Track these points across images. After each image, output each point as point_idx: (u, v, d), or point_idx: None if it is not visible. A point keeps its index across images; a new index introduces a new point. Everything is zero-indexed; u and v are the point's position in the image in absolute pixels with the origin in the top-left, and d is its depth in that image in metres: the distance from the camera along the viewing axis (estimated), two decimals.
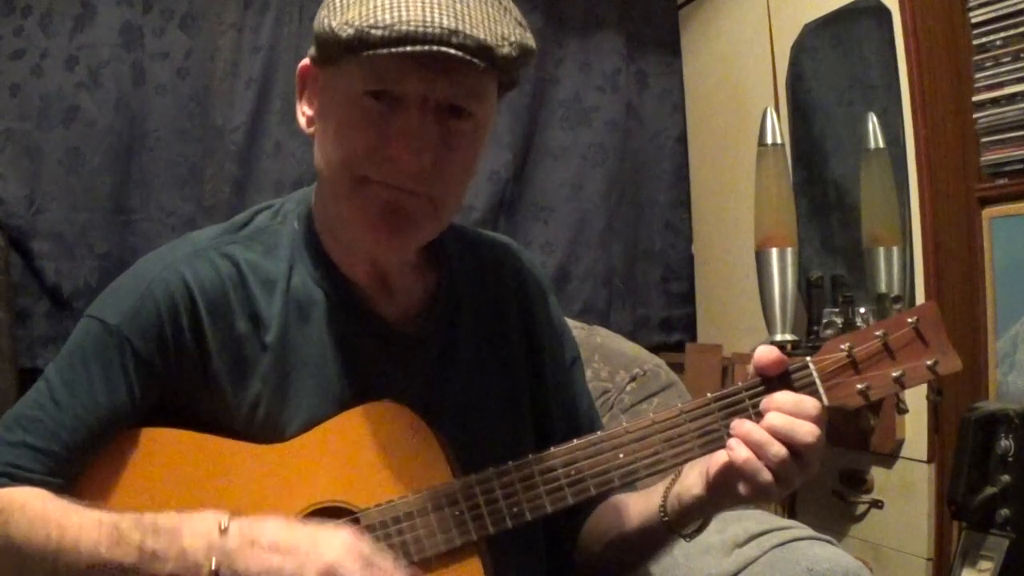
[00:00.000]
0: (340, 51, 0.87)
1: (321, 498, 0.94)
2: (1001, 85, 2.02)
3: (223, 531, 0.84)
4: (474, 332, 1.07)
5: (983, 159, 2.07)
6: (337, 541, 0.84)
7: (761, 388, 0.94)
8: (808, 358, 0.96)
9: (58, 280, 2.54)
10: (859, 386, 0.95)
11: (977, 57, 2.07)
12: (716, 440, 0.94)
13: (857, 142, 2.36)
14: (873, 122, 2.29)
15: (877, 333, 0.95)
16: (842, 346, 0.96)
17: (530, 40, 0.91)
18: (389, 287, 1.02)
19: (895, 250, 2.25)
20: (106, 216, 2.59)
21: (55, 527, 0.85)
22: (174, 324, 0.94)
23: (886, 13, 2.21)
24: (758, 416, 0.92)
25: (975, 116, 2.08)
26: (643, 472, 0.94)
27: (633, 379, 2.14)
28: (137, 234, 2.64)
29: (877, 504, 2.21)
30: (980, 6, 2.05)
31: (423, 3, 0.84)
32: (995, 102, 2.04)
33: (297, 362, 0.97)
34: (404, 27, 0.82)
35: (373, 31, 0.83)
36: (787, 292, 2.42)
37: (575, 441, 0.96)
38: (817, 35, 2.54)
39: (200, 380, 0.96)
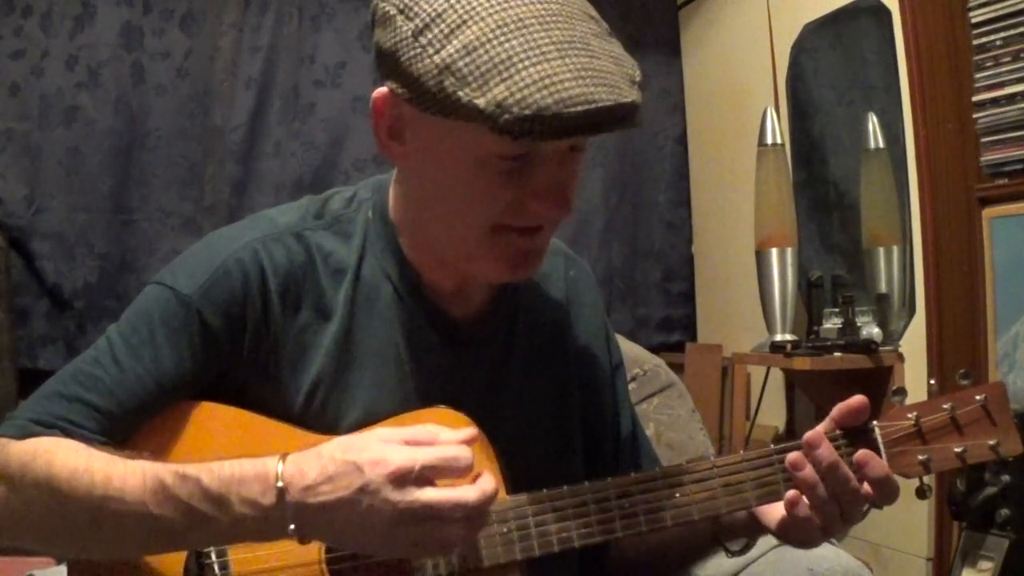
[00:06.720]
0: (470, 118, 0.80)
1: None
2: (1001, 85, 2.02)
3: (279, 495, 0.79)
4: (529, 338, 1.07)
5: (983, 159, 2.07)
6: (376, 443, 0.81)
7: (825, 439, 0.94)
8: (875, 422, 0.95)
9: (58, 280, 2.54)
10: (921, 457, 0.94)
11: (977, 57, 2.07)
12: (773, 492, 0.94)
13: (857, 142, 2.37)
14: (873, 122, 2.29)
15: (945, 406, 0.95)
16: (909, 414, 0.95)
17: (631, 63, 0.88)
18: (464, 289, 1.01)
19: (895, 250, 2.25)
20: (106, 216, 2.60)
21: (100, 474, 0.83)
22: (245, 303, 0.93)
23: (886, 13, 2.21)
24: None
25: (975, 116, 2.08)
26: (696, 515, 0.94)
27: (633, 379, 2.14)
28: (137, 234, 2.64)
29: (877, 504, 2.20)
30: (980, 6, 2.05)
31: (573, 76, 0.79)
32: (995, 102, 2.04)
33: (358, 354, 0.97)
34: (569, 112, 0.78)
35: (536, 124, 0.78)
36: (787, 292, 2.42)
37: (632, 474, 0.95)
38: (817, 35, 2.54)
39: (261, 363, 0.95)
